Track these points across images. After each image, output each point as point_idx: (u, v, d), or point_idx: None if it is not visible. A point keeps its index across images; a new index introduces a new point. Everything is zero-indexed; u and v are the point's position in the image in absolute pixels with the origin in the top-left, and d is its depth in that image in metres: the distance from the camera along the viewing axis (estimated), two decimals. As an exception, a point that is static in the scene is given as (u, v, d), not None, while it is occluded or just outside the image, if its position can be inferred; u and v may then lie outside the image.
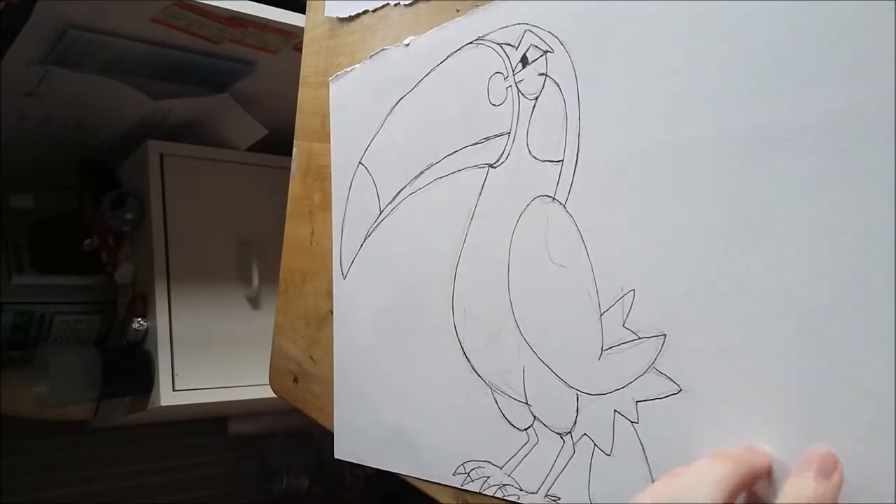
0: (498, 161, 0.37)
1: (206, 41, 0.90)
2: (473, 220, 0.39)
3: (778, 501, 0.26)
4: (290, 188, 0.55)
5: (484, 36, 0.39)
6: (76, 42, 0.85)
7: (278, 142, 0.96)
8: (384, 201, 0.45)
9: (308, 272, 0.52)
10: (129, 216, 1.03)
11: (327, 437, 0.50)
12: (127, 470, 1.23)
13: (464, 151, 0.39)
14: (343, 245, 0.49)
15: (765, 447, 0.27)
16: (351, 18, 0.48)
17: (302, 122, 0.54)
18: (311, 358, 0.52)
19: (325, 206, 0.50)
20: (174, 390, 0.98)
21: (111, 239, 1.08)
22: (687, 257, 0.29)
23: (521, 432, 0.35)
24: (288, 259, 0.55)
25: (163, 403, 0.96)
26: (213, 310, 1.05)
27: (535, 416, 0.34)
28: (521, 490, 0.36)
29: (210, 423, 1.27)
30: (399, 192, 0.44)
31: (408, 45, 0.40)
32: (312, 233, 0.52)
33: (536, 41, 0.36)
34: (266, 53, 0.94)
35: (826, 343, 0.25)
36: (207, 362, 1.01)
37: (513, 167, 0.37)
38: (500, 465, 0.36)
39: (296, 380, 0.53)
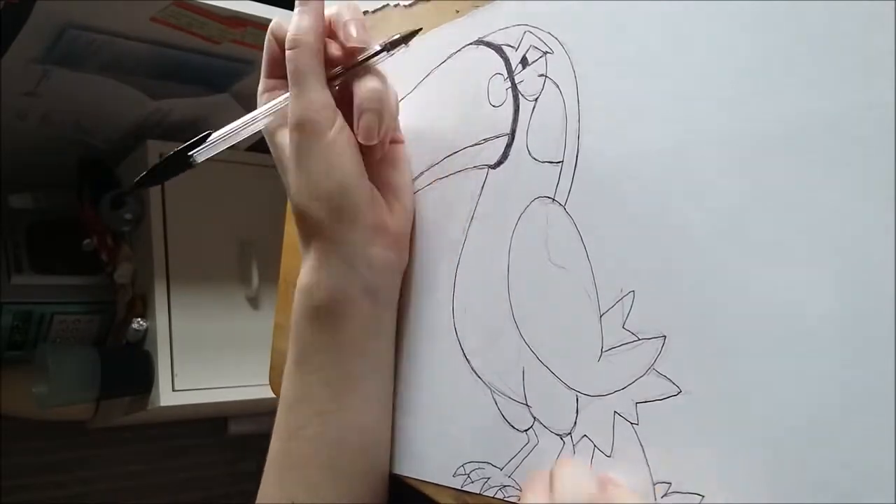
0: (498, 162, 0.37)
1: (206, 41, 0.90)
2: (473, 221, 0.38)
3: None
4: (289, 189, 0.55)
5: (484, 37, 0.38)
6: (76, 42, 0.85)
7: (278, 142, 0.96)
8: (384, 202, 0.45)
9: (308, 273, 0.52)
10: (128, 216, 1.03)
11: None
12: (127, 470, 1.23)
13: (464, 152, 0.39)
14: (343, 246, 0.48)
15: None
16: (350, 19, 0.48)
17: (301, 123, 0.54)
18: (311, 358, 0.52)
19: (325, 206, 0.50)
20: (174, 390, 0.98)
21: (110, 239, 1.08)
22: (687, 258, 0.29)
23: (521, 433, 0.35)
24: (288, 260, 0.55)
25: (162, 403, 0.96)
26: (212, 310, 1.05)
27: (534, 418, 0.34)
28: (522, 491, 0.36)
29: (210, 423, 1.26)
30: (399, 192, 0.43)
31: (407, 46, 0.39)
32: (312, 233, 0.52)
33: (536, 42, 0.36)
34: (266, 53, 0.94)
35: (826, 344, 0.25)
36: (207, 362, 1.01)
37: (512, 168, 0.37)
38: (501, 466, 0.36)
39: (295, 380, 0.53)
